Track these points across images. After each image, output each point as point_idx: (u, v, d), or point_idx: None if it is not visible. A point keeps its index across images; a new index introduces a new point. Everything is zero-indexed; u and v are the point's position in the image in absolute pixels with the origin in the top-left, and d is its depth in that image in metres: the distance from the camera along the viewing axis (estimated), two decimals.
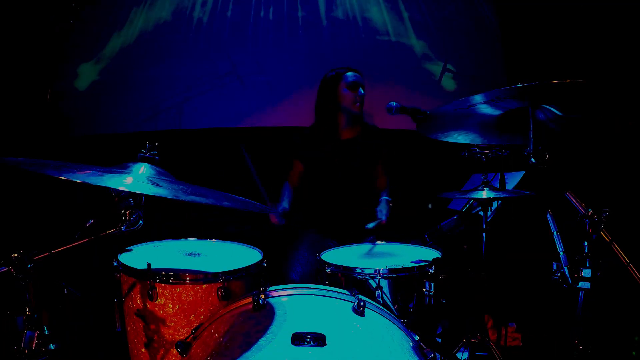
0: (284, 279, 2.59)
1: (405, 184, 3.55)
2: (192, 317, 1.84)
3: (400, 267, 2.07)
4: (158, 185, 1.50)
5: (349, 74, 2.93)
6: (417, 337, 1.56)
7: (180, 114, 3.96)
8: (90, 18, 3.96)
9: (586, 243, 1.73)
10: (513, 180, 2.74)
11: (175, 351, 1.52)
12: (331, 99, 2.92)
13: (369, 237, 2.67)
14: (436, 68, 4.08)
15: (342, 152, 2.92)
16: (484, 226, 2.54)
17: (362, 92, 2.90)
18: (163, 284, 1.84)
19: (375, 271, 2.01)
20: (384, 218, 2.67)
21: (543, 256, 2.11)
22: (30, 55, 3.71)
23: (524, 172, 2.74)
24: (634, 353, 2.74)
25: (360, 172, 2.93)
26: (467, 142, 2.01)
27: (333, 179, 2.91)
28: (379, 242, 2.48)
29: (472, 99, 1.67)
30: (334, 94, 2.91)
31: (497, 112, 1.78)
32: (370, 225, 2.58)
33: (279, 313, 1.46)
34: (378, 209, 2.75)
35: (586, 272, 1.73)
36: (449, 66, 4.06)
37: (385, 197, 2.84)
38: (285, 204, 2.86)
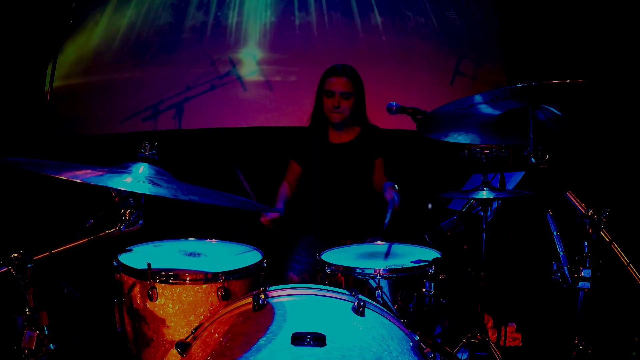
0: (284, 279, 2.59)
1: (405, 184, 3.55)
2: (192, 317, 1.84)
3: (400, 267, 2.07)
4: (158, 185, 1.50)
5: (331, 78, 2.74)
6: (417, 337, 1.56)
7: (180, 114, 3.96)
8: (85, 15, 3.96)
9: (586, 243, 1.74)
10: (513, 180, 2.74)
11: (175, 351, 1.52)
12: (318, 101, 2.84)
13: (376, 237, 2.63)
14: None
15: (333, 156, 2.86)
16: (484, 226, 2.54)
17: (338, 102, 2.71)
18: (163, 284, 1.85)
19: (375, 271, 2.01)
20: (396, 200, 2.44)
21: (543, 256, 2.11)
22: (28, 55, 3.71)
23: (524, 172, 2.74)
24: (634, 353, 2.74)
25: (354, 176, 2.88)
26: (467, 142, 2.00)
27: (328, 183, 2.88)
28: (378, 242, 2.48)
29: (472, 99, 1.67)
30: (320, 96, 2.82)
31: (497, 112, 1.78)
32: (386, 220, 2.35)
33: (278, 313, 1.46)
34: (386, 194, 2.52)
35: (586, 272, 1.73)
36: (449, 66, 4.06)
37: (388, 184, 2.60)
38: (280, 205, 2.73)
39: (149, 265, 1.82)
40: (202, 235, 2.35)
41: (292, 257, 2.67)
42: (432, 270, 2.07)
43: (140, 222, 1.55)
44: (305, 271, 2.58)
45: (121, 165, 1.60)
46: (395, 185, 2.61)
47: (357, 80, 2.82)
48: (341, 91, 2.75)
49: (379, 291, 1.97)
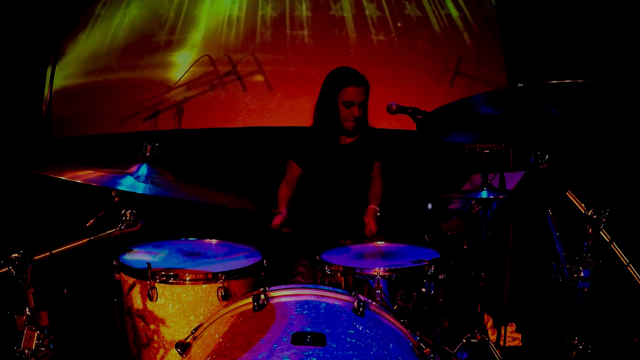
0: (284, 279, 2.58)
1: (405, 184, 3.55)
2: (192, 317, 1.84)
3: (400, 267, 2.07)
4: (158, 185, 1.50)
5: (348, 88, 2.73)
6: (417, 337, 1.56)
7: (180, 114, 3.96)
8: (85, 14, 3.96)
9: (586, 243, 1.74)
10: (513, 180, 2.74)
11: (175, 351, 1.52)
12: (330, 107, 2.81)
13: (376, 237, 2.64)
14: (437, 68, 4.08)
15: (340, 157, 2.86)
16: (484, 226, 2.54)
17: (358, 112, 2.73)
18: (163, 284, 1.85)
19: (374, 271, 2.01)
20: (373, 231, 2.62)
21: (543, 256, 2.11)
22: (28, 55, 3.71)
23: (524, 172, 2.74)
24: (634, 353, 2.74)
25: (356, 177, 2.89)
26: (467, 142, 2.01)
27: (331, 184, 2.88)
28: (378, 243, 2.48)
29: (472, 99, 1.67)
30: (333, 103, 2.79)
31: (497, 112, 1.79)
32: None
33: (279, 313, 1.46)
34: (365, 219, 2.69)
35: (586, 272, 1.73)
36: (449, 66, 4.06)
37: (373, 207, 2.75)
38: (283, 208, 2.76)
39: (149, 265, 1.82)
40: (202, 235, 2.35)
41: (298, 261, 2.65)
42: (432, 270, 2.07)
43: (140, 222, 1.56)
44: (308, 273, 2.57)
45: (121, 165, 1.60)
46: (378, 212, 2.68)
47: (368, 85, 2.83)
48: (360, 101, 2.74)
49: (379, 291, 1.97)
